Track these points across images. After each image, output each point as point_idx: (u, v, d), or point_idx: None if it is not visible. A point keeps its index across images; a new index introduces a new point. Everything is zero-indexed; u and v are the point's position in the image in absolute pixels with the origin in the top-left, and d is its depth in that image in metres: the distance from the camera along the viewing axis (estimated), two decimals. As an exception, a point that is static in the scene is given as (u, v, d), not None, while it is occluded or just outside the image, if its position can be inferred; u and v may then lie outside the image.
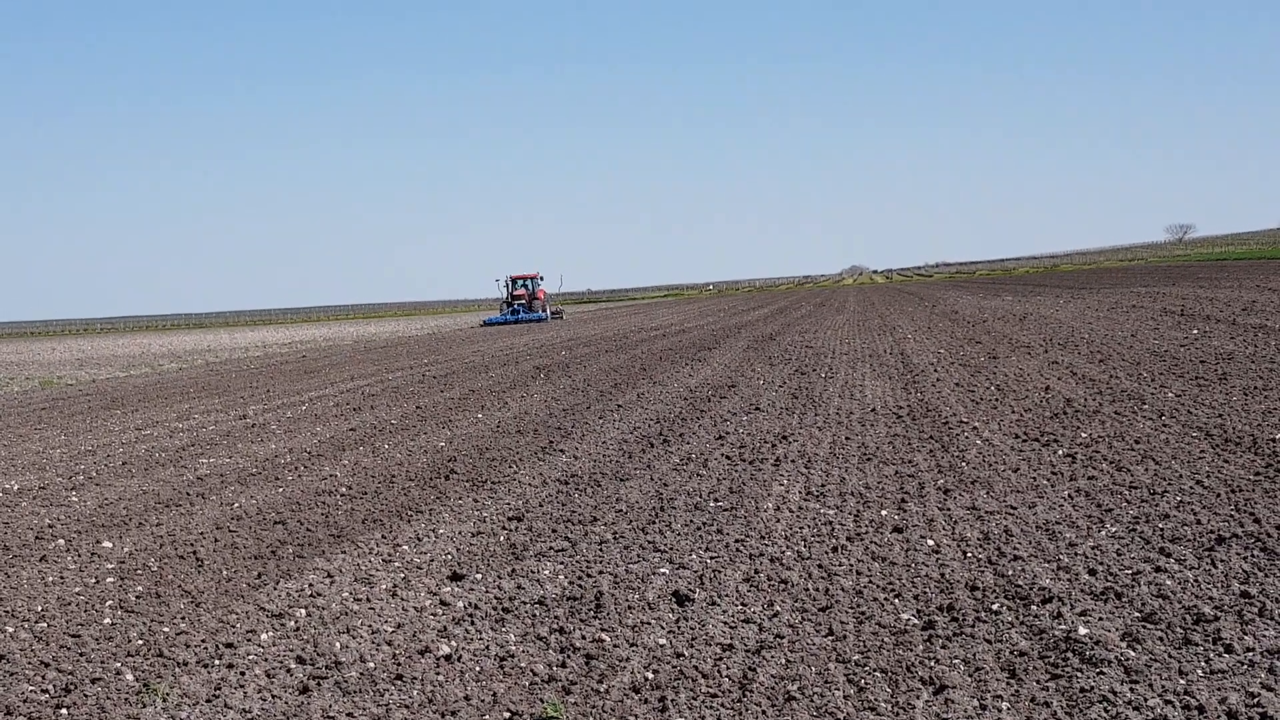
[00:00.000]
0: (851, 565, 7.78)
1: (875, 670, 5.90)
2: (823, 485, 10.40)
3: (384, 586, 8.07)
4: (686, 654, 6.33)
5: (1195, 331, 23.09)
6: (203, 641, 7.10)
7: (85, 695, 6.35)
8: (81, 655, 7.05)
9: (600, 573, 8.05)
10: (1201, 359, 17.91)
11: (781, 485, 10.52)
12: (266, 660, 6.71)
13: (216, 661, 6.73)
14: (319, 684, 6.28)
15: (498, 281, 73.93)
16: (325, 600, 7.81)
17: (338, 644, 6.89)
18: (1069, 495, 9.29)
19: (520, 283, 73.20)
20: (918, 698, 5.52)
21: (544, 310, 71.34)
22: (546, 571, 8.20)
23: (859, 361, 22.83)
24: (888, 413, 14.81)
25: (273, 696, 6.18)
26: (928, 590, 7.12)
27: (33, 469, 15.00)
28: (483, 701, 5.90)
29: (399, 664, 6.51)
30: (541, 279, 73.79)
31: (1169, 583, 6.82)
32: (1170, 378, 15.94)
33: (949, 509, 9.16)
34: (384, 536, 9.61)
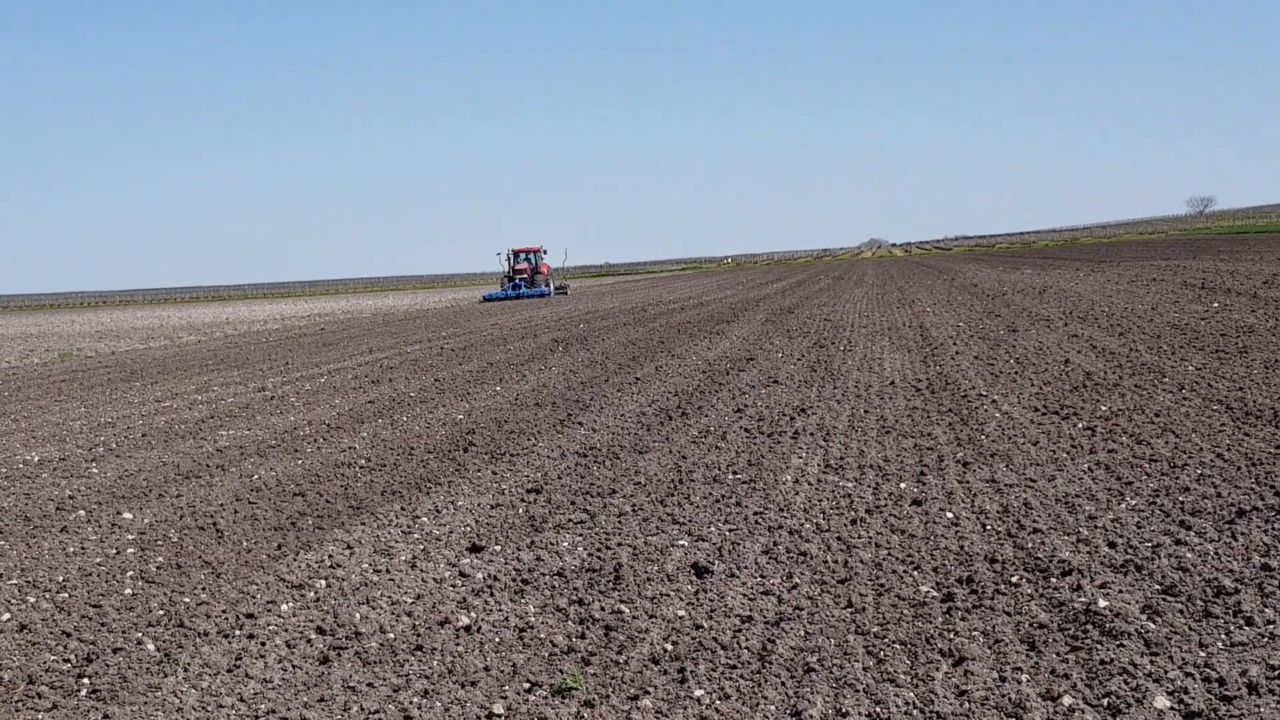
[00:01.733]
0: (870, 538, 7.77)
1: (894, 642, 5.90)
2: (841, 458, 10.38)
3: (403, 558, 8.09)
4: (706, 625, 6.33)
5: (1216, 305, 22.96)
6: (223, 612, 7.13)
7: (107, 665, 6.38)
8: (103, 625, 7.09)
9: (619, 545, 8.05)
10: (1222, 332, 17.82)
11: (800, 458, 10.50)
12: (287, 631, 6.74)
13: (237, 632, 6.76)
14: (339, 654, 6.31)
15: (499, 255, 70.66)
16: (345, 571, 7.84)
17: (358, 615, 6.91)
18: (1089, 468, 9.26)
19: (522, 256, 69.91)
20: (937, 669, 5.51)
21: (547, 285, 68.37)
22: (565, 543, 8.21)
23: (878, 335, 22.77)
24: (907, 386, 14.77)
25: (293, 667, 6.20)
26: (947, 563, 7.11)
27: (53, 440, 15.07)
28: (502, 672, 5.91)
29: (419, 635, 6.53)
30: (545, 252, 70.63)
31: (1189, 555, 6.79)
32: (1190, 351, 15.86)
33: (968, 482, 9.14)
34: (403, 508, 9.63)
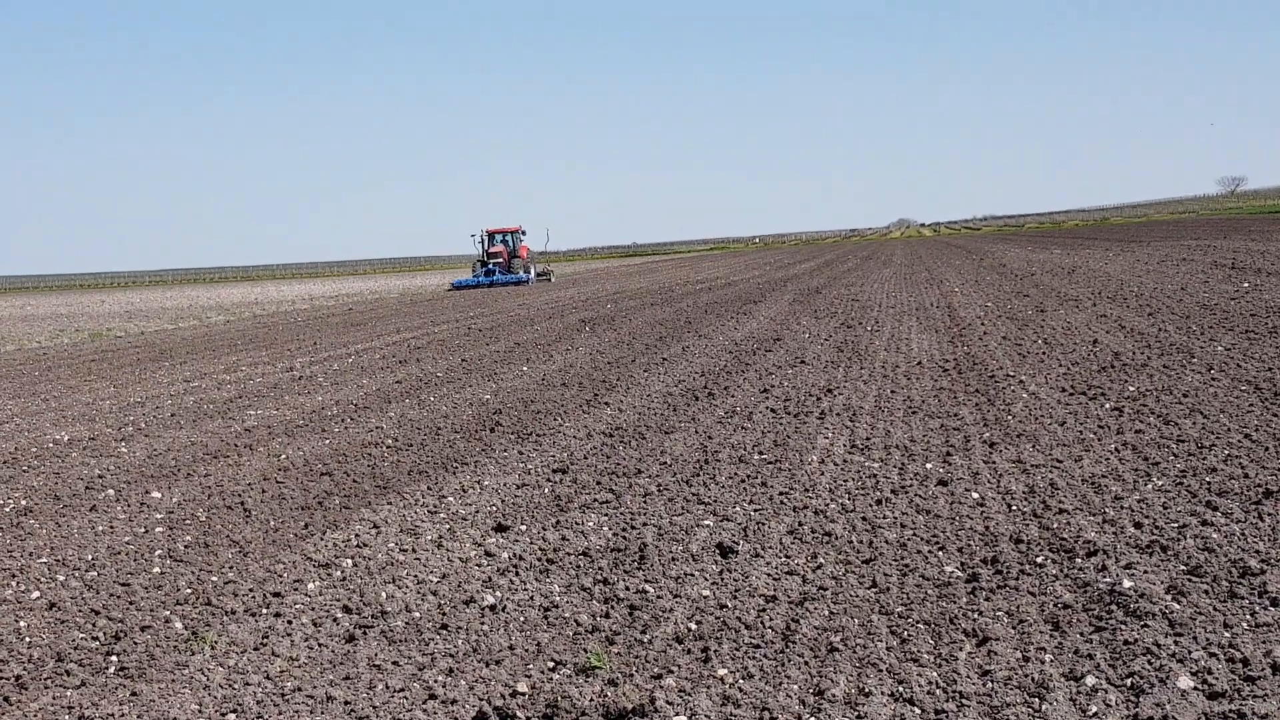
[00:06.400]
0: (895, 518, 7.76)
1: (918, 622, 5.90)
2: (867, 438, 10.36)
3: (429, 537, 8.13)
4: (730, 605, 6.34)
5: (1246, 284, 22.79)
6: (250, 591, 7.18)
7: (135, 643, 6.44)
8: (131, 604, 7.14)
9: (644, 525, 8.07)
10: (1252, 312, 17.69)
11: (826, 438, 10.49)
12: (313, 610, 6.78)
13: (264, 610, 6.81)
14: (365, 633, 6.35)
15: (473, 237, 61.43)
16: (371, 551, 7.88)
17: (384, 594, 6.94)
18: (1115, 449, 9.21)
19: (498, 238, 60.86)
20: (961, 649, 5.51)
21: (526, 270, 59.42)
22: (591, 523, 8.22)
23: (905, 315, 22.70)
24: (934, 366, 14.73)
25: (319, 645, 6.24)
26: (972, 543, 7.09)
27: (83, 420, 15.18)
28: (527, 651, 5.94)
29: (444, 614, 6.56)
30: (524, 233, 61.61)
31: (1215, 536, 6.76)
32: (1220, 331, 15.76)
33: (994, 462, 9.12)
34: (429, 488, 9.66)
